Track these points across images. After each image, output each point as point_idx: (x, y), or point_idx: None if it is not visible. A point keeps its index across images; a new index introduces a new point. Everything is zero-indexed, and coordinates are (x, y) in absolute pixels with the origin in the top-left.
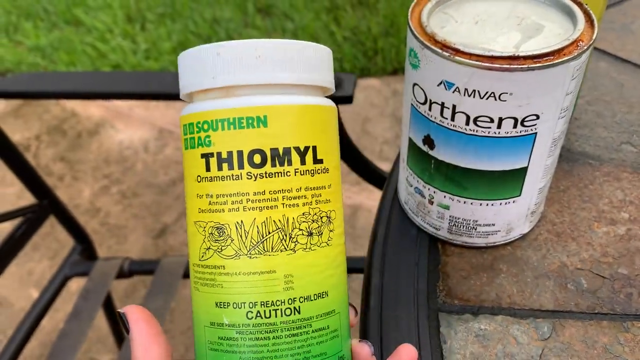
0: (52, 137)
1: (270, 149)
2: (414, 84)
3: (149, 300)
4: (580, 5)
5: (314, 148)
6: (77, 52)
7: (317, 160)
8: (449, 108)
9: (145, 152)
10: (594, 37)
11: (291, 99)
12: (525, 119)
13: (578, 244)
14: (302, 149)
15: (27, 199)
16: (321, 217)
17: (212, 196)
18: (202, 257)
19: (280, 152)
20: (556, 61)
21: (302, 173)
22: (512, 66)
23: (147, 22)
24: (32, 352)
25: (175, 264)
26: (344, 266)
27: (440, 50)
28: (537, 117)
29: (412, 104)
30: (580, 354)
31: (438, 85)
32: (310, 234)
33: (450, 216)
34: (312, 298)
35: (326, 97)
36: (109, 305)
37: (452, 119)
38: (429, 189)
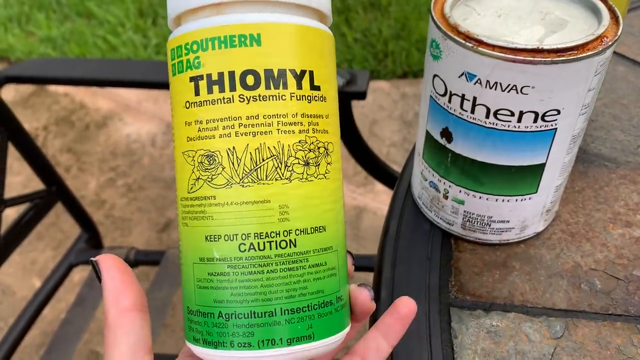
0: (60, 128)
1: (265, 70)
2: (434, 75)
3: (152, 291)
4: (605, 1)
5: (311, 73)
6: (88, 44)
7: (314, 87)
8: (469, 100)
9: (152, 146)
10: (618, 34)
11: (287, 18)
12: (546, 114)
13: (592, 244)
14: (298, 72)
15: (33, 188)
16: (318, 148)
17: (201, 122)
18: (191, 189)
19: (275, 73)
20: (580, 55)
21: (298, 98)
22: (535, 59)
23: (158, 17)
24: (33, 340)
25: None
26: (341, 204)
27: (463, 41)
28: (558, 112)
29: (431, 96)
30: (593, 354)
31: (459, 77)
32: (307, 164)
33: (464, 211)
34: (309, 231)
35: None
36: None
37: (472, 111)
38: (444, 183)
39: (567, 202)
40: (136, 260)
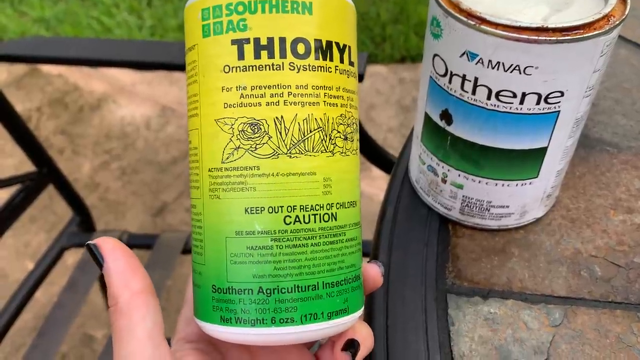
0: (54, 110)
1: (315, 40)
2: (435, 55)
3: None
4: None
5: (349, 49)
6: (82, 25)
7: (351, 62)
8: (470, 81)
9: (146, 129)
10: (626, 13)
11: None
12: (550, 96)
13: (593, 231)
14: (341, 46)
15: (26, 170)
16: (353, 123)
17: (245, 88)
18: (228, 158)
19: (324, 44)
20: (586, 35)
21: (340, 72)
22: (540, 38)
23: None
24: (26, 324)
25: (174, 240)
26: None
27: (465, 19)
28: (562, 94)
29: (430, 77)
30: (592, 342)
31: (460, 56)
32: (346, 138)
33: (463, 196)
34: (346, 205)
35: None
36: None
37: (473, 92)
38: (442, 167)
39: (568, 188)
40: (129, 244)
